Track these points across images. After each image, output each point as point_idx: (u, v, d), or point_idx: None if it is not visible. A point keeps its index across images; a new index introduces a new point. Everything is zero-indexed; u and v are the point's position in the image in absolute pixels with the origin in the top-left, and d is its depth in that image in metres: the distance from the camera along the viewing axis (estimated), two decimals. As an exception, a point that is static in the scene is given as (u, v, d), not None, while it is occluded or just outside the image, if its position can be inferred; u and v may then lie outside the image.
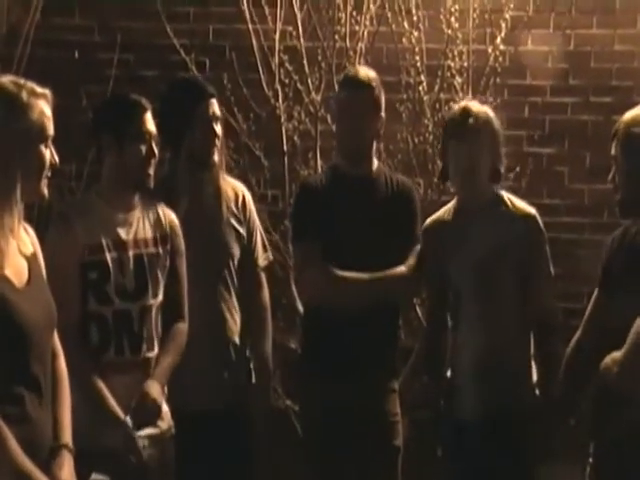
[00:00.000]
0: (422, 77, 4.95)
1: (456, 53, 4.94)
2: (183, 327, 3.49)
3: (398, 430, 3.86)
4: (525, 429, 3.58)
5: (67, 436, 2.70)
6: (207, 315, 3.69)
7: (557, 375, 3.48)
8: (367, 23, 4.98)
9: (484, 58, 4.98)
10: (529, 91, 5.19)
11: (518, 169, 4.91)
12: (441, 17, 4.95)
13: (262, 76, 5.02)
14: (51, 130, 2.65)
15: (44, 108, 2.63)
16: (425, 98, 4.95)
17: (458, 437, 3.66)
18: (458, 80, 4.92)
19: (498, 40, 4.95)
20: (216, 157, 3.77)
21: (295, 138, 5.04)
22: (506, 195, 3.74)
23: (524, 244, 3.64)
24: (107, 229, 3.33)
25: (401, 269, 3.73)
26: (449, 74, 4.95)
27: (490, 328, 3.61)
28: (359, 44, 4.96)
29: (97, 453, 3.08)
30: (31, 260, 2.67)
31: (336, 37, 4.97)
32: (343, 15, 4.96)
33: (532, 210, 3.70)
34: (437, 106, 4.92)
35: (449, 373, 3.75)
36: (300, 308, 4.47)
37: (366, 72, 3.85)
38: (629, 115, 3.19)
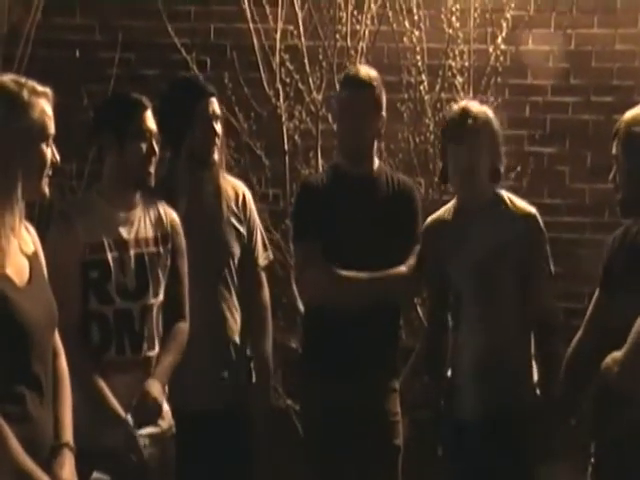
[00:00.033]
0: (423, 76, 4.95)
1: (457, 52, 4.94)
2: (184, 326, 3.48)
3: (398, 430, 3.86)
4: (525, 429, 3.57)
5: (68, 435, 2.70)
6: (207, 314, 3.69)
7: (557, 375, 3.48)
8: (368, 22, 4.98)
9: (485, 57, 4.98)
10: (530, 90, 5.18)
11: (519, 169, 4.91)
12: (442, 16, 4.95)
13: (263, 75, 5.02)
14: (52, 129, 2.64)
15: (45, 107, 2.63)
16: (426, 97, 4.95)
17: (458, 437, 3.66)
18: (459, 79, 4.92)
19: (499, 40, 4.95)
20: (216, 156, 3.77)
21: (296, 137, 5.04)
22: (506, 195, 3.74)
23: (524, 244, 3.64)
24: (108, 228, 3.33)
25: (401, 269, 3.73)
26: (450, 73, 4.94)
27: (490, 328, 3.61)
28: (360, 43, 4.95)
29: (98, 453, 3.08)
30: (32, 259, 2.67)
31: (337, 36, 4.96)
32: (344, 14, 4.96)
33: (532, 209, 3.70)
34: (438, 106, 4.91)
35: (449, 373, 3.75)
36: (301, 307, 4.47)
37: (367, 71, 3.85)
38: (630, 114, 3.19)
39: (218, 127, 3.76)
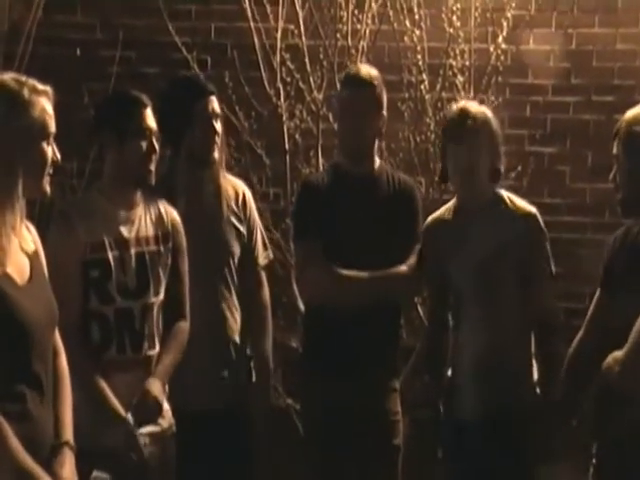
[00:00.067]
0: (424, 76, 4.95)
1: (458, 52, 4.94)
2: (184, 325, 3.48)
3: (399, 429, 3.86)
4: (525, 429, 3.57)
5: (68, 434, 2.70)
6: (207, 314, 3.68)
7: (558, 375, 3.48)
8: (369, 21, 4.97)
9: (486, 57, 4.98)
10: (531, 90, 5.18)
11: (519, 168, 4.90)
12: (443, 16, 4.95)
13: (264, 74, 5.02)
14: (53, 127, 2.64)
15: (46, 105, 2.63)
16: (427, 97, 4.94)
17: (458, 437, 3.66)
18: (460, 79, 4.92)
19: (500, 39, 4.95)
20: (216, 155, 3.76)
21: (297, 136, 5.04)
22: (506, 194, 3.74)
23: (524, 243, 3.64)
24: (109, 227, 3.33)
25: (402, 268, 3.73)
26: (451, 73, 4.94)
27: (491, 328, 3.60)
28: (361, 42, 4.95)
29: (98, 452, 3.07)
30: (33, 258, 2.67)
31: (338, 35, 4.96)
32: (345, 13, 4.96)
33: (532, 209, 3.70)
34: (439, 105, 4.91)
35: (450, 372, 3.75)
36: (301, 307, 4.47)
37: (368, 70, 3.84)
38: (631, 114, 3.18)
39: (218, 126, 3.76)
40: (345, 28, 4.97)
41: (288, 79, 5.01)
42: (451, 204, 3.79)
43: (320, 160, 4.94)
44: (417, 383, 4.05)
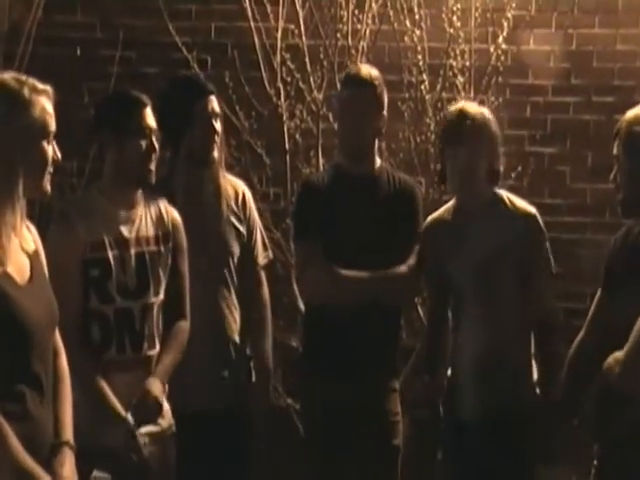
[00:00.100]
0: (424, 76, 4.95)
1: (458, 52, 4.94)
2: (185, 325, 3.48)
3: (398, 430, 3.85)
4: (525, 429, 3.57)
5: (68, 433, 2.70)
6: (207, 314, 3.68)
7: (557, 375, 3.48)
8: (369, 21, 4.97)
9: (486, 57, 4.98)
10: (531, 90, 5.18)
11: (520, 169, 4.91)
12: (443, 16, 4.95)
13: (264, 74, 5.02)
14: (53, 126, 2.64)
15: (46, 104, 2.62)
16: (427, 97, 4.95)
17: (458, 437, 3.66)
18: (460, 79, 4.92)
19: (500, 39, 4.95)
20: (216, 154, 3.76)
21: (297, 136, 5.04)
22: (506, 195, 3.74)
23: (524, 243, 3.64)
24: (109, 226, 3.33)
25: (402, 268, 3.72)
26: (451, 73, 4.94)
27: (491, 327, 3.60)
28: (361, 42, 4.95)
29: (98, 451, 3.07)
30: (33, 257, 2.67)
31: (338, 35, 4.96)
32: (345, 13, 4.96)
33: (532, 209, 3.70)
34: (439, 105, 4.91)
35: (449, 372, 3.75)
36: (301, 307, 4.47)
37: (368, 70, 3.84)
38: (631, 114, 3.18)
39: (218, 125, 3.76)
40: (345, 28, 4.97)
41: (288, 79, 5.01)
42: (450, 204, 3.79)
43: (320, 160, 4.94)
44: (417, 383, 4.05)
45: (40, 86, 2.63)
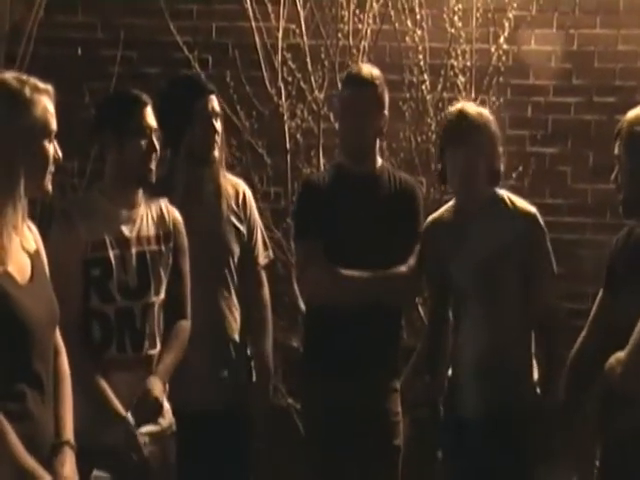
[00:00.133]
0: (425, 76, 4.95)
1: (459, 52, 4.94)
2: (186, 325, 3.48)
3: (399, 429, 3.85)
4: (525, 428, 3.57)
5: (69, 433, 2.70)
6: (207, 313, 3.67)
7: (558, 374, 3.48)
8: (370, 21, 4.97)
9: (487, 57, 4.98)
10: (532, 91, 5.18)
11: (521, 169, 4.91)
12: (444, 16, 4.95)
13: (265, 74, 5.02)
14: (54, 125, 2.64)
15: (47, 104, 2.62)
16: (428, 97, 4.94)
17: (459, 435, 3.65)
18: (461, 79, 4.92)
19: (501, 39, 4.95)
20: (216, 153, 3.76)
21: (298, 136, 5.04)
22: (506, 194, 3.73)
23: (524, 243, 3.64)
24: (110, 226, 3.33)
25: (402, 268, 3.72)
26: (452, 73, 4.94)
27: (492, 327, 3.60)
28: (362, 42, 4.95)
29: (98, 451, 3.08)
30: (34, 257, 2.67)
31: (339, 35, 4.96)
32: (346, 13, 4.96)
33: (532, 209, 3.70)
34: (440, 105, 4.91)
35: (450, 372, 3.75)
36: (302, 306, 4.47)
37: (369, 70, 3.84)
38: (632, 114, 3.18)
39: (218, 125, 3.76)
40: (346, 28, 4.97)
41: (289, 78, 5.01)
42: (451, 204, 3.79)
43: (321, 160, 4.94)
44: (418, 383, 4.06)
45: (41, 85, 2.63)
